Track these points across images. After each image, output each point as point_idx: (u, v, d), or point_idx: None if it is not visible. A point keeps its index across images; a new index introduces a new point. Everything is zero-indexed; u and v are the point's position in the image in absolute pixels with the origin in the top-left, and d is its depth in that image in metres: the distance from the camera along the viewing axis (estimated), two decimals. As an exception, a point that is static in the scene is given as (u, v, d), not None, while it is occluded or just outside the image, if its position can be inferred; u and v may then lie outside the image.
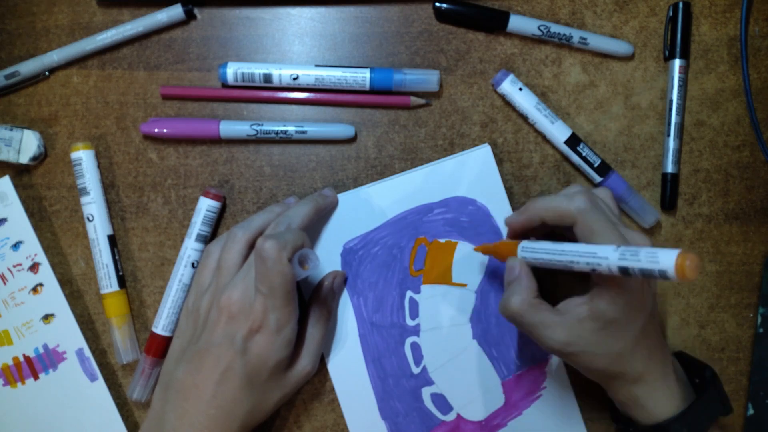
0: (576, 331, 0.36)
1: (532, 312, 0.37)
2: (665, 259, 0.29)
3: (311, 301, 0.44)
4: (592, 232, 0.36)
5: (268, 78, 0.45)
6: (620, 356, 0.37)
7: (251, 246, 0.41)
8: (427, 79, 0.45)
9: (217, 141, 0.47)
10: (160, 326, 0.44)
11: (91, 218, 0.46)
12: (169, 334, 0.44)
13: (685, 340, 0.48)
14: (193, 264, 0.44)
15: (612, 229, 0.36)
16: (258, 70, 0.45)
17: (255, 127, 0.45)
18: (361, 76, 0.45)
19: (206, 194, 0.45)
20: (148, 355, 0.45)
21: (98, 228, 0.45)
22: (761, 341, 0.47)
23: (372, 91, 0.46)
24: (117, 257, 0.46)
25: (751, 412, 0.47)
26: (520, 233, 0.41)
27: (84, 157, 0.45)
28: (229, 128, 0.45)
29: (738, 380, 0.48)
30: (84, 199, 0.46)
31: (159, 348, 0.44)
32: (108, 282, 0.46)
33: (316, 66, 0.45)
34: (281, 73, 0.45)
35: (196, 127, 0.46)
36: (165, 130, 0.46)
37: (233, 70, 0.45)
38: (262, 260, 0.36)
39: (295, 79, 0.45)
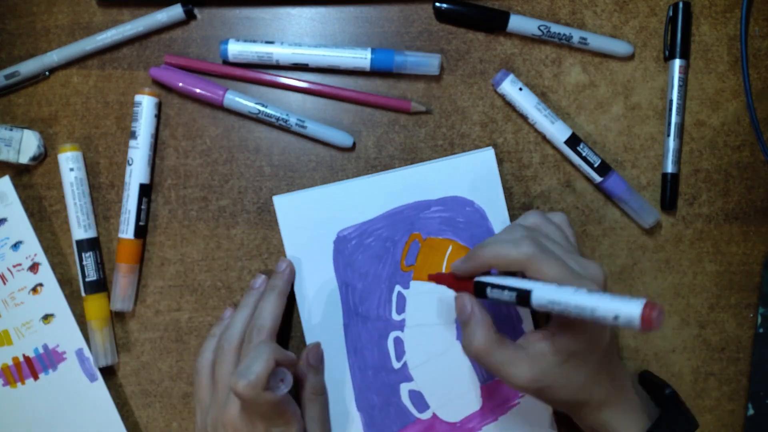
0: (540, 366, 0.36)
1: (496, 348, 0.37)
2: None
3: (298, 383, 0.44)
4: (543, 276, 0.35)
5: (269, 54, 0.45)
6: (585, 385, 0.37)
7: (239, 351, 0.42)
8: (429, 62, 0.45)
9: (216, 141, 0.47)
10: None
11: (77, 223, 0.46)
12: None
13: (685, 340, 0.48)
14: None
15: (562, 269, 0.35)
16: (259, 47, 0.45)
17: (259, 105, 0.45)
18: (362, 56, 0.45)
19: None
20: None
21: (74, 234, 0.46)
22: (761, 341, 0.47)
23: (373, 73, 0.46)
24: (99, 260, 0.46)
25: (751, 412, 0.47)
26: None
27: (71, 157, 0.46)
28: (234, 99, 0.45)
29: (738, 380, 0.48)
30: (68, 201, 0.46)
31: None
32: (82, 286, 0.46)
33: (318, 46, 0.46)
34: (283, 50, 0.45)
35: (204, 86, 0.46)
36: (180, 84, 0.45)
37: (234, 46, 0.45)
38: (242, 400, 0.37)
39: (296, 50, 0.45)
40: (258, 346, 0.38)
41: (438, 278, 0.42)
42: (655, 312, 0.28)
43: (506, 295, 0.36)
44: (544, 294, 0.33)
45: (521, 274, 0.37)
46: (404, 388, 0.46)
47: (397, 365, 0.46)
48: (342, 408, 0.45)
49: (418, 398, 0.46)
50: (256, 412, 0.37)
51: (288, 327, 0.47)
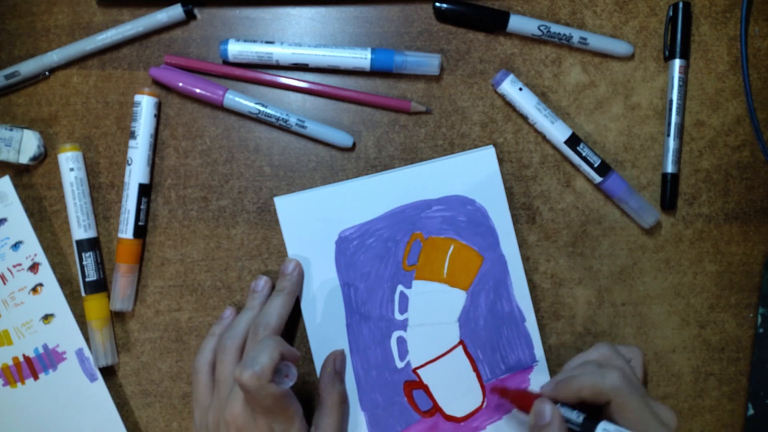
0: None
1: None
2: None
3: (321, 391, 0.44)
4: (625, 410, 0.36)
5: (269, 54, 0.45)
6: None
7: (242, 350, 0.42)
8: (429, 62, 0.45)
9: (216, 141, 0.47)
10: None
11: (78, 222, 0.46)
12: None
13: (685, 340, 0.48)
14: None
15: (646, 410, 0.36)
16: (259, 47, 0.45)
17: (259, 105, 0.45)
18: (362, 56, 0.45)
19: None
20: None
21: (74, 234, 0.46)
22: (761, 341, 0.47)
23: (373, 73, 0.46)
24: (99, 260, 0.46)
25: (751, 412, 0.47)
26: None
27: (71, 157, 0.46)
28: (234, 99, 0.45)
29: (738, 380, 0.48)
30: (68, 203, 0.46)
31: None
32: (82, 286, 0.46)
33: (318, 46, 0.46)
34: (283, 50, 0.45)
35: (204, 86, 0.46)
36: (180, 84, 0.45)
37: (234, 46, 0.45)
38: (246, 391, 0.37)
39: (296, 50, 0.45)
40: (263, 339, 0.39)
41: (502, 392, 0.42)
42: None
43: (574, 415, 0.37)
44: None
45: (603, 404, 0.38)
46: (408, 388, 0.46)
47: (400, 365, 0.46)
48: None
49: (421, 397, 0.46)
50: (259, 406, 0.37)
51: (294, 330, 0.47)
